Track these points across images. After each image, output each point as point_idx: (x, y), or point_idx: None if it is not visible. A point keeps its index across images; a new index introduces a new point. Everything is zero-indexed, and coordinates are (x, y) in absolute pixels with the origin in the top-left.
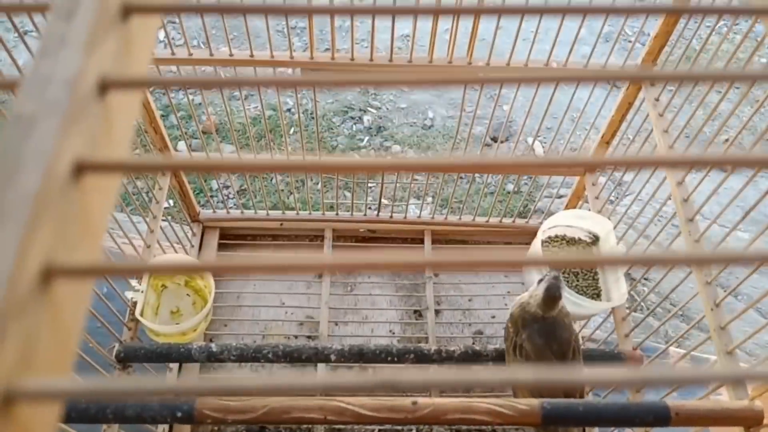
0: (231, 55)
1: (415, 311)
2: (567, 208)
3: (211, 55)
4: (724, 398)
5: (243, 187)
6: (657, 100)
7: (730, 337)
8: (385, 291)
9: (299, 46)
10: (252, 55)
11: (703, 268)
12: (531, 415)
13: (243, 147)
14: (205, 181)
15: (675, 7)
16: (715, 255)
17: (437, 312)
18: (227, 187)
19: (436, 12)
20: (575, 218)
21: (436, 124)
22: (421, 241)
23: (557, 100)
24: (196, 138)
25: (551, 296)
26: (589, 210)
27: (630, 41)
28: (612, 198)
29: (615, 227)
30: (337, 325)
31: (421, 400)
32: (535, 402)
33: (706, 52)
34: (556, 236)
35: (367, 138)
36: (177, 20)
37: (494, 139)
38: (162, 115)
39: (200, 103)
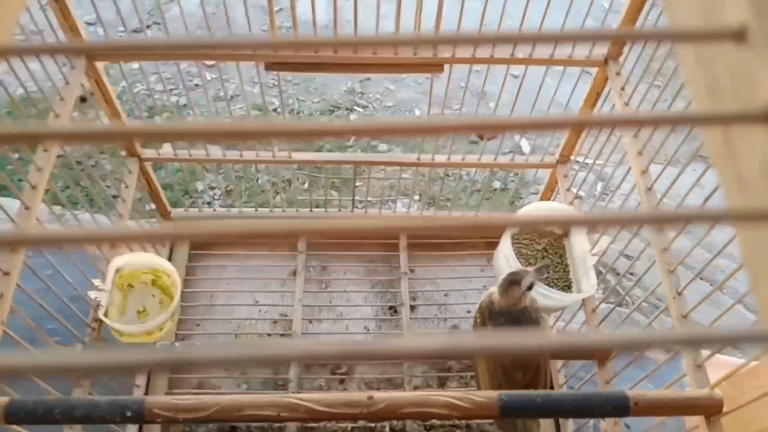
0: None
1: (391, 307)
2: (541, 200)
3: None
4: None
5: (229, 188)
6: (622, 89)
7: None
8: (360, 287)
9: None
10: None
11: (660, 228)
12: (489, 407)
13: (230, 148)
14: (191, 182)
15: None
16: (671, 214)
17: (413, 308)
18: (213, 188)
19: None
20: (545, 211)
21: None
22: (397, 237)
23: (543, 96)
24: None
25: (511, 280)
26: (561, 202)
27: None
28: (581, 193)
29: None
30: (311, 322)
31: (377, 395)
32: (493, 394)
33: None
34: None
35: (353, 137)
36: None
37: (480, 137)
38: (147, 117)
39: (185, 104)
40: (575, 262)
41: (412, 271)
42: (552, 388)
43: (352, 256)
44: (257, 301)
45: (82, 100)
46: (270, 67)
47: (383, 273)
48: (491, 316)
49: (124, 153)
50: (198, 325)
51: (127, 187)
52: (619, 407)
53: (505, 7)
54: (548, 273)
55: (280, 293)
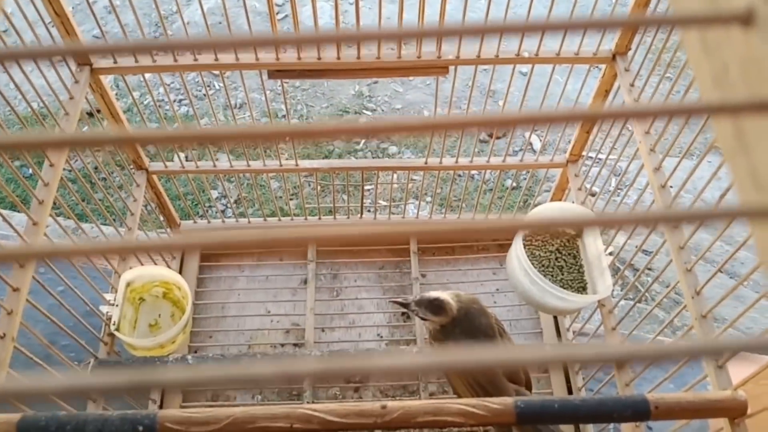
0: (195, 60)
1: (403, 313)
2: (552, 200)
3: (176, 60)
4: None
5: (240, 197)
6: (632, 85)
7: (711, 326)
8: (371, 294)
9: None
10: (217, 59)
11: (674, 226)
12: (504, 414)
13: (239, 156)
14: (202, 191)
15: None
16: (685, 214)
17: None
18: (224, 197)
19: None
20: (558, 211)
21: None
22: (407, 243)
23: (552, 93)
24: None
25: (436, 307)
26: (573, 202)
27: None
28: (595, 188)
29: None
30: (323, 331)
31: (390, 404)
32: (508, 401)
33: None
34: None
35: (363, 140)
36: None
37: (490, 135)
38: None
39: (192, 115)
40: (590, 263)
41: (423, 276)
42: (530, 386)
43: (363, 263)
44: (269, 311)
45: (90, 115)
46: (273, 75)
47: (394, 279)
48: (446, 335)
49: (131, 167)
50: (210, 337)
51: (135, 200)
52: (639, 412)
53: (509, 6)
54: (563, 275)
55: (292, 302)
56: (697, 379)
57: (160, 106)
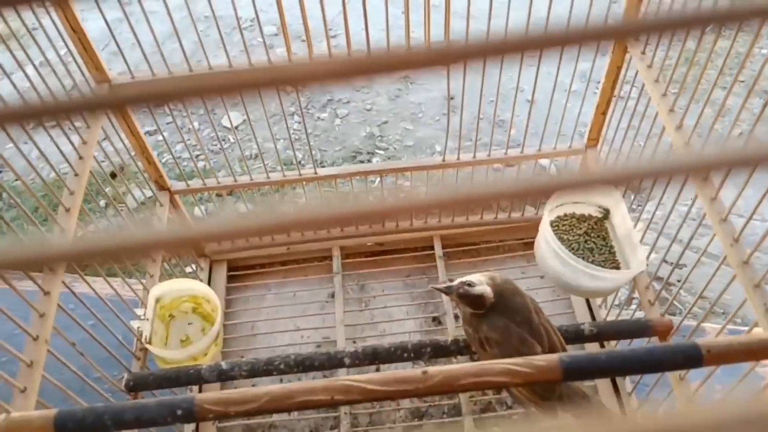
0: (190, 70)
1: (434, 318)
2: None
3: (170, 73)
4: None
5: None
6: (643, 53)
7: (755, 271)
8: (400, 302)
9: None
10: (210, 67)
11: (702, 175)
12: (550, 370)
13: (257, 205)
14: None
15: None
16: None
17: (456, 316)
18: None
19: None
20: (581, 192)
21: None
22: (432, 248)
23: (557, 105)
24: (210, 202)
25: (477, 303)
26: None
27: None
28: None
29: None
30: (355, 342)
31: (431, 369)
32: (553, 357)
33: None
34: (565, 215)
35: (378, 179)
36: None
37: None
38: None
39: (209, 168)
40: (620, 242)
41: (451, 280)
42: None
43: (389, 272)
44: (298, 327)
45: (113, 176)
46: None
47: (422, 285)
48: (480, 318)
49: (153, 186)
50: (242, 357)
51: (159, 220)
52: (690, 357)
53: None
54: (593, 256)
55: (321, 316)
56: (749, 328)
57: (178, 162)
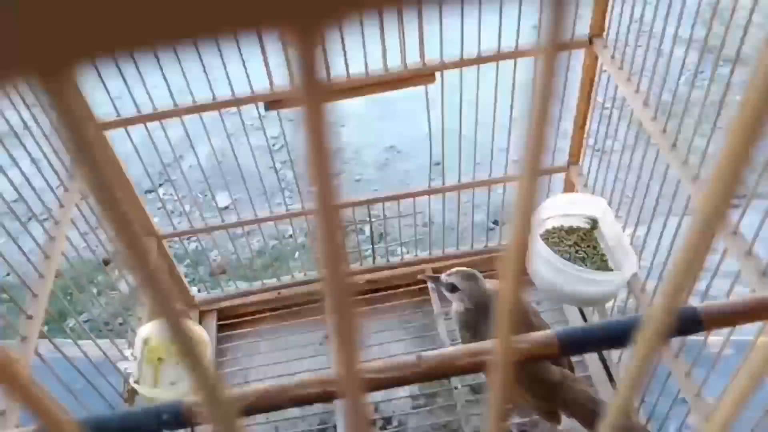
0: (194, 102)
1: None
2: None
3: (176, 105)
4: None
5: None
6: (612, 57)
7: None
8: (397, 337)
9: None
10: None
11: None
12: (547, 345)
13: (252, 281)
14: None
15: None
16: None
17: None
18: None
19: None
20: (567, 204)
21: (435, 220)
22: (424, 282)
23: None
24: (206, 281)
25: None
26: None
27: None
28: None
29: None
30: None
31: (425, 353)
32: (550, 332)
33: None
34: (553, 228)
35: (369, 247)
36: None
37: (496, 222)
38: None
39: (201, 250)
40: (611, 249)
41: (447, 315)
42: (572, 367)
43: (383, 309)
44: (293, 372)
45: (105, 263)
46: (272, 106)
47: (418, 319)
48: (478, 320)
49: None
50: None
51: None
52: (689, 322)
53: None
54: (586, 266)
55: (314, 358)
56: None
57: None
